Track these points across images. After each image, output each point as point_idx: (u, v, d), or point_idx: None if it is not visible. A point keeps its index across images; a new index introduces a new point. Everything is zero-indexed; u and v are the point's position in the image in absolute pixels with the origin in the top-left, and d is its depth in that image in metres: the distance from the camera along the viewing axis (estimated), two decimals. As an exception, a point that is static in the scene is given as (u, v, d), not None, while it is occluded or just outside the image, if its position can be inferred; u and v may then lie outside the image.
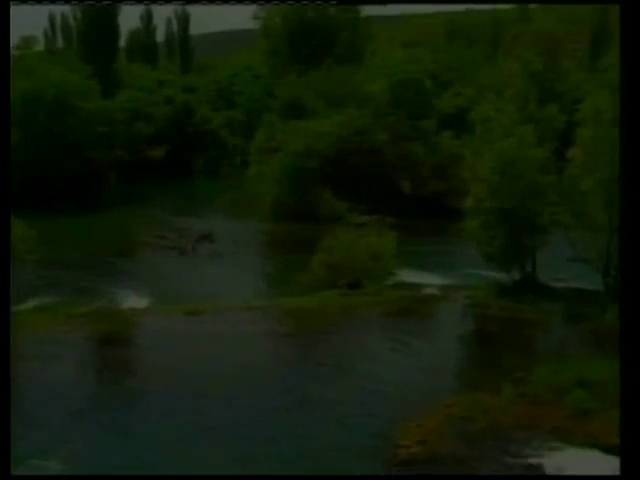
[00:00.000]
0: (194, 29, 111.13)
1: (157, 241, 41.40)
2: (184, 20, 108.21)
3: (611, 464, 16.12)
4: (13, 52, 57.62)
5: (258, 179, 51.35)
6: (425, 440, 16.90)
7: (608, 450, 16.60)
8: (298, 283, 30.43)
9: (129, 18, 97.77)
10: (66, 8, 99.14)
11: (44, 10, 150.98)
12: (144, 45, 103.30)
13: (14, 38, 59.55)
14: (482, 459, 16.32)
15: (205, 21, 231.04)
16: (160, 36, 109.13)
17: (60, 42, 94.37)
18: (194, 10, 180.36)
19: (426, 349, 23.77)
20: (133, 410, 18.99)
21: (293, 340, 24.66)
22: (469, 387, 20.30)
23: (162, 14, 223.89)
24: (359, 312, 27.32)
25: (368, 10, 79.39)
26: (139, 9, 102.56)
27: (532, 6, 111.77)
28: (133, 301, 29.38)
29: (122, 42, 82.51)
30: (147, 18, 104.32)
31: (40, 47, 74.16)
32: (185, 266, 37.44)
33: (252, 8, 77.77)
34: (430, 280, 31.77)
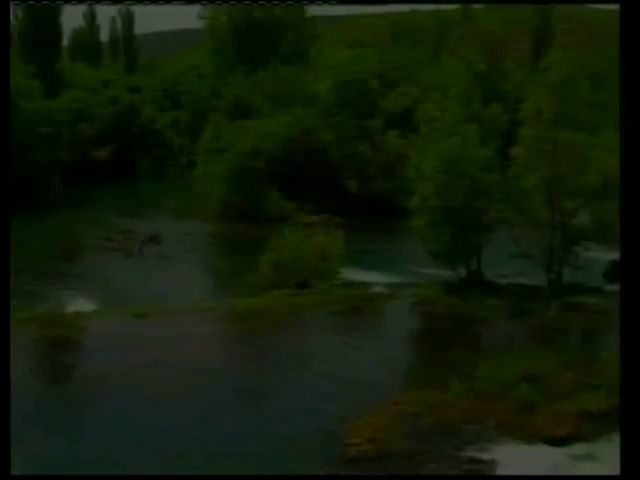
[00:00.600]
0: (139, 28, 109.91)
1: (103, 243, 40.85)
2: (128, 19, 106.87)
3: (555, 456, 16.54)
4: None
5: (205, 179, 51.05)
6: (374, 438, 17.03)
7: (552, 442, 16.99)
8: (247, 284, 30.36)
9: (72, 17, 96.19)
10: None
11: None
12: (88, 44, 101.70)
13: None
14: (431, 455, 16.51)
15: (150, 20, 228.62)
16: (104, 35, 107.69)
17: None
18: (138, 9, 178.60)
19: (374, 347, 23.94)
20: (79, 413, 18.77)
21: (243, 340, 24.62)
22: (417, 384, 20.52)
23: (106, 13, 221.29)
24: (308, 311, 27.39)
25: (314, 10, 79.59)
26: (82, 8, 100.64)
27: (476, 7, 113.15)
28: (79, 305, 28.94)
29: (65, 41, 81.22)
30: (91, 17, 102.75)
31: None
32: (132, 268, 37.03)
33: (197, 7, 77.26)
34: (378, 279, 31.99)
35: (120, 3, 74.09)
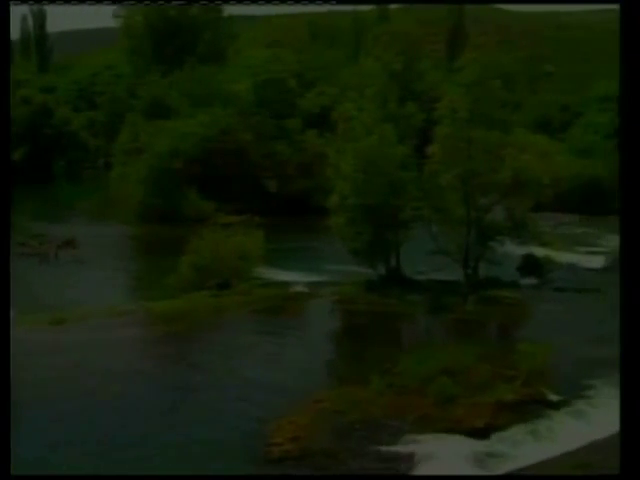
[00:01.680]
0: (52, 27, 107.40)
1: (17, 248, 39.73)
2: (40, 17, 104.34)
3: (474, 447, 16.88)
4: None
5: (122, 181, 50.24)
6: (297, 437, 17.03)
7: (471, 434, 17.34)
8: (167, 286, 30.00)
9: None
10: None
11: None
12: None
13: None
14: (354, 452, 16.62)
15: (63, 19, 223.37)
16: (15, 34, 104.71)
17: None
18: (51, 8, 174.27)
19: (296, 346, 24.01)
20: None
21: (163, 343, 24.33)
22: (339, 381, 20.67)
23: (17, 11, 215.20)
24: (229, 312, 27.26)
25: (231, 10, 79.19)
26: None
27: (392, 7, 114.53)
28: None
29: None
30: None
31: None
32: (48, 274, 36.16)
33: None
34: (298, 278, 32.09)
35: (120, 3, 72.18)
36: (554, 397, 19.02)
